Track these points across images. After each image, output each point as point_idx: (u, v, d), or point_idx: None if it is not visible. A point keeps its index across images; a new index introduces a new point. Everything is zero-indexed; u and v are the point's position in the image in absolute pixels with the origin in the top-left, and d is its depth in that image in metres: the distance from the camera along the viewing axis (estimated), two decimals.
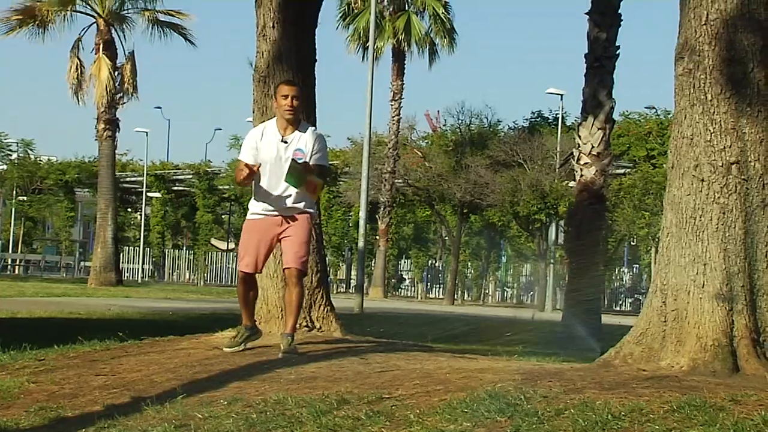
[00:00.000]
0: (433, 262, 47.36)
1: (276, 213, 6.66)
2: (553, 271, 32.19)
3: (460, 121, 35.84)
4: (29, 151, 51.51)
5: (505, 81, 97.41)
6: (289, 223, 6.64)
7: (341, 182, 41.28)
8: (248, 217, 6.78)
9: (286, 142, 6.60)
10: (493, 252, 43.35)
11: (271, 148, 6.60)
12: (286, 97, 6.61)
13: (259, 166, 6.60)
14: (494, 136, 35.19)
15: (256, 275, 6.84)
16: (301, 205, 6.68)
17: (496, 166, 32.77)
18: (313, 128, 6.82)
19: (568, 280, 14.65)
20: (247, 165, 6.61)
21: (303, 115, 7.82)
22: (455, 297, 36.84)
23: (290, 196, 6.67)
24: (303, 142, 6.63)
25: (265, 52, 7.83)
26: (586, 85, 13.91)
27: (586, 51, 13.90)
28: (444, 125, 37.83)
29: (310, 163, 6.61)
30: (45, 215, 53.41)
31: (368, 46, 26.55)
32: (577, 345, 11.26)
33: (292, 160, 6.53)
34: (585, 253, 13.60)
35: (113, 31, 31.41)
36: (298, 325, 7.55)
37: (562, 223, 31.83)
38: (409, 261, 46.42)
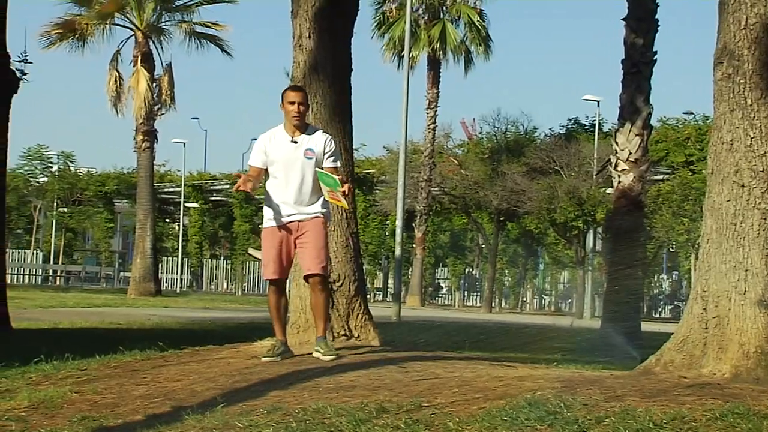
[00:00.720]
0: (470, 270, 47.24)
1: (290, 220, 6.67)
2: (591, 278, 31.97)
3: (495, 129, 35.78)
4: (69, 163, 51.98)
5: (541, 88, 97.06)
6: (303, 228, 6.64)
7: (377, 191, 41.31)
8: (264, 225, 6.85)
9: (295, 142, 6.70)
10: (531, 259, 43.14)
11: (281, 150, 6.70)
12: (292, 103, 6.70)
13: (263, 171, 6.70)
14: (530, 143, 35.06)
15: (286, 283, 6.91)
16: (313, 208, 6.71)
17: (533, 174, 32.63)
18: (322, 131, 6.90)
19: (606, 287, 14.54)
20: (238, 175, 6.78)
21: (338, 125, 7.86)
22: (493, 305, 36.71)
23: (303, 198, 6.69)
24: (313, 143, 6.72)
25: (301, 62, 7.88)
26: (623, 91, 13.81)
27: (623, 57, 13.81)
28: (480, 133, 37.77)
29: (325, 166, 6.70)
30: (85, 226, 53.98)
31: (403, 55, 26.61)
32: (617, 352, 11.17)
33: (318, 170, 6.58)
34: (623, 260, 13.50)
35: (151, 43, 31.72)
36: (336, 334, 7.57)
37: (599, 230, 31.65)
38: (446, 269, 46.34)
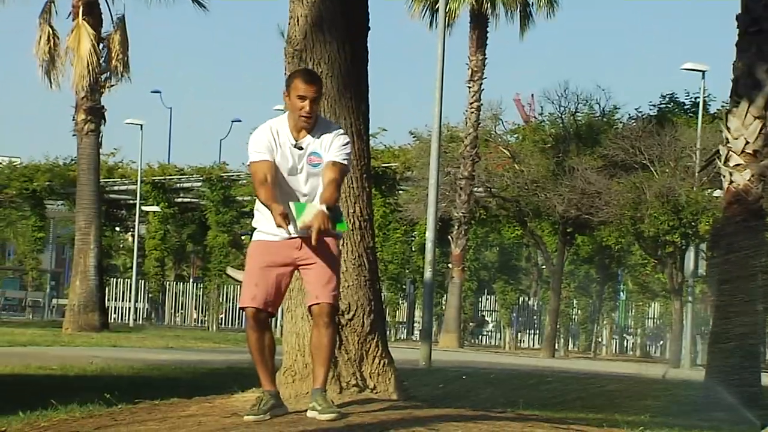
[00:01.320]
0: (526, 299, 47.18)
1: (293, 236, 6.72)
2: (691, 312, 31.86)
3: (562, 109, 35.75)
4: None
5: (625, 53, 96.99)
6: (309, 246, 6.70)
7: (400, 191, 41.35)
8: (255, 237, 6.89)
9: (301, 148, 6.78)
10: (608, 286, 43.05)
11: (284, 156, 6.77)
12: (302, 98, 6.73)
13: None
14: (609, 129, 35.01)
15: (279, 318, 6.93)
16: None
17: (612, 170, 32.56)
18: (337, 128, 6.94)
19: (712, 324, 14.49)
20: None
21: (349, 103, 7.86)
22: (556, 347, 36.64)
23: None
24: (319, 145, 6.79)
25: (300, 18, 7.90)
26: (739, 58, 13.79)
27: (739, 11, 13.78)
28: (540, 114, 37.76)
29: (328, 159, 6.74)
30: (5, 236, 54.24)
31: (438, 8, 26.61)
32: (727, 415, 11.12)
33: (326, 211, 6.60)
34: (737, 288, 13.44)
35: None
36: (345, 384, 7.57)
37: (703, 246, 31.52)
38: (492, 297, 46.32)
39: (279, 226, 6.60)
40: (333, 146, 6.76)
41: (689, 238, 31.13)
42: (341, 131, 6.90)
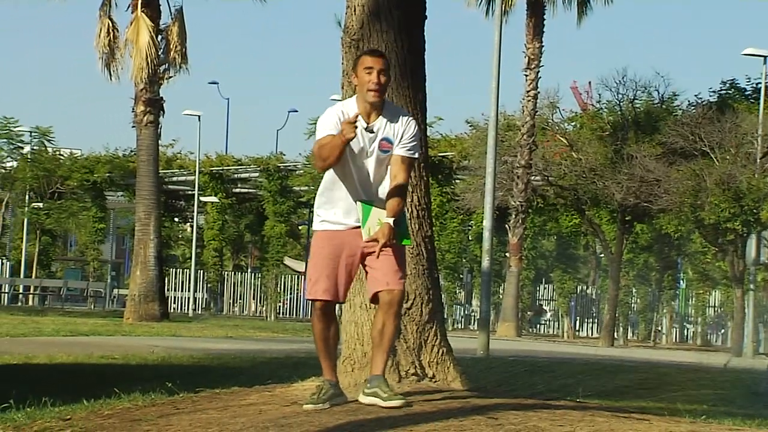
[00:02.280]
0: (584, 287, 46.99)
1: (359, 225, 6.72)
2: (753, 300, 31.57)
3: (620, 96, 35.51)
4: (46, 143, 52.62)
5: (684, 40, 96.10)
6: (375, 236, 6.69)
7: (458, 180, 41.30)
8: (318, 226, 6.84)
9: (372, 131, 6.71)
10: (668, 274, 42.78)
11: (354, 140, 6.65)
12: (370, 71, 6.68)
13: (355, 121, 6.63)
14: (668, 116, 34.75)
15: (337, 307, 6.91)
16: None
17: (672, 157, 32.33)
18: (406, 114, 6.91)
19: None
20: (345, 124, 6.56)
21: (407, 92, 7.86)
22: (615, 336, 36.47)
23: (376, 199, 6.72)
24: (392, 131, 6.73)
25: (357, 7, 7.91)
26: None
27: None
28: (598, 102, 37.51)
29: (398, 154, 6.70)
30: (67, 227, 54.73)
31: None
32: None
33: (392, 225, 6.62)
34: None
35: None
36: (404, 373, 7.59)
37: (765, 234, 31.20)
38: (550, 286, 46.20)
39: (348, 131, 6.47)
40: (404, 135, 6.72)
41: (750, 226, 30.86)
42: (411, 118, 6.86)
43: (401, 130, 6.73)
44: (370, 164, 6.72)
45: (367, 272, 6.84)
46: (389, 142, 6.70)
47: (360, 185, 6.73)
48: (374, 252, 6.71)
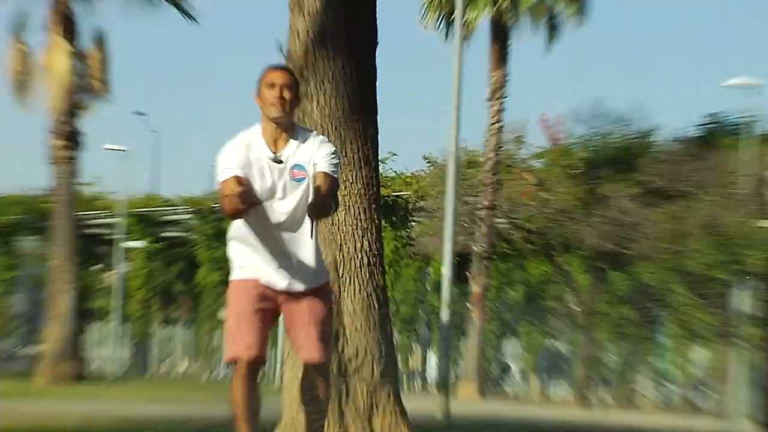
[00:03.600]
0: (554, 342, 47.00)
1: (277, 288, 6.58)
2: (742, 358, 31.67)
3: (593, 130, 35.73)
4: None
5: (663, 69, 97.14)
6: (297, 298, 6.59)
7: (413, 223, 41.32)
8: (234, 275, 6.68)
9: (280, 162, 6.51)
10: (648, 328, 42.88)
11: (261, 172, 6.51)
12: (272, 86, 6.51)
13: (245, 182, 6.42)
14: (646, 153, 34.97)
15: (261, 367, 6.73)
16: (312, 266, 6.56)
17: (650, 198, 32.52)
18: (315, 133, 6.70)
19: None
20: (238, 178, 6.37)
21: (356, 125, 7.91)
22: (589, 397, 36.47)
23: (295, 246, 6.56)
24: (304, 155, 6.54)
25: (301, 32, 7.96)
26: None
27: None
28: (570, 136, 37.72)
29: (317, 170, 6.49)
30: None
31: (455, 18, 26.70)
32: None
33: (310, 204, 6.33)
34: None
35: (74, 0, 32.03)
36: None
37: (755, 284, 31.36)
38: (517, 341, 46.19)
39: (242, 202, 6.21)
40: (319, 155, 6.51)
41: (739, 274, 31.02)
42: (324, 138, 6.69)
43: (314, 152, 6.52)
44: (285, 202, 6.54)
45: (288, 331, 6.72)
46: (302, 169, 6.51)
47: (279, 234, 6.56)
48: (299, 310, 6.59)
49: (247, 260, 6.63)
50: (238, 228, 6.65)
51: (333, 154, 6.56)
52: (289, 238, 6.58)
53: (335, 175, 6.47)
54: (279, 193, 6.50)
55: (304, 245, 6.58)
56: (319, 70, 7.86)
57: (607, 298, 39.91)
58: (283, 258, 6.57)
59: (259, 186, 6.47)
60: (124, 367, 47.08)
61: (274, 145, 6.54)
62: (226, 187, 6.40)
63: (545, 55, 35.79)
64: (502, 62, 36.09)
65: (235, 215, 6.39)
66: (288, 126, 6.56)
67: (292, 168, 6.51)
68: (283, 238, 6.57)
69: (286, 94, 6.49)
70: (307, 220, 6.50)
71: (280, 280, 6.57)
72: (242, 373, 6.52)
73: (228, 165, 6.46)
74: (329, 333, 6.68)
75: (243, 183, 6.38)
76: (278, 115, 6.48)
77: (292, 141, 6.54)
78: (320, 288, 6.64)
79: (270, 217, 6.52)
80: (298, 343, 6.66)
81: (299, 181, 6.51)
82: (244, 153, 6.50)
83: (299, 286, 6.59)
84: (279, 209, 6.52)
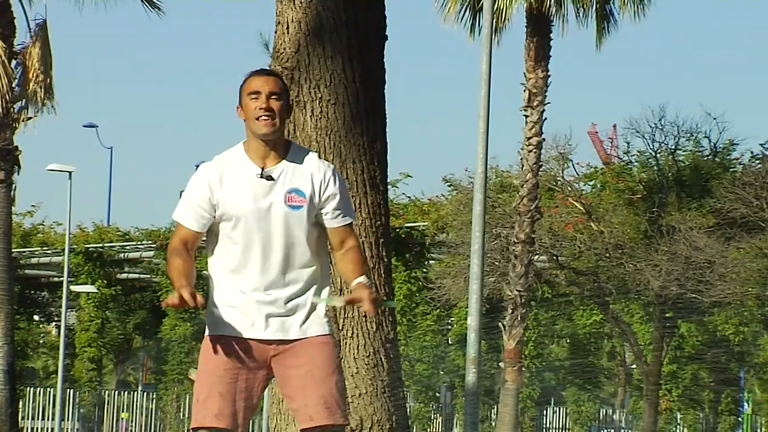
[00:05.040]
0: (608, 410, 46.97)
1: (262, 337, 6.59)
2: None
3: (656, 145, 35.79)
4: None
5: (743, 70, 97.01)
6: (292, 351, 6.61)
7: (432, 261, 41.33)
8: (208, 331, 6.71)
9: (270, 178, 6.54)
10: (726, 394, 42.88)
11: (243, 193, 6.56)
12: (256, 95, 6.56)
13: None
14: (724, 173, 35.00)
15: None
16: (307, 315, 6.62)
17: (729, 230, 32.52)
18: (314, 153, 6.73)
19: None
20: (179, 290, 6.48)
21: (360, 139, 7.95)
22: None
23: (289, 288, 6.60)
24: (300, 178, 6.58)
25: (292, 24, 8.01)
26: None
27: None
28: (626, 153, 37.79)
29: (333, 227, 6.58)
30: None
31: (482, 6, 26.77)
32: None
33: (361, 284, 6.46)
34: None
35: None
36: None
37: None
38: (562, 409, 46.16)
39: (174, 305, 6.37)
40: (329, 191, 6.57)
41: None
42: (328, 163, 6.71)
43: (320, 178, 6.57)
44: (277, 232, 6.56)
45: (284, 397, 6.73)
46: (301, 195, 6.54)
47: (270, 271, 6.59)
48: (297, 369, 6.59)
49: (219, 315, 6.66)
50: (212, 282, 6.70)
51: (340, 186, 6.60)
52: (280, 278, 6.61)
53: (351, 219, 6.63)
54: (270, 216, 6.53)
55: (301, 287, 6.62)
56: (313, 71, 7.91)
57: (675, 355, 39.89)
58: (272, 303, 6.60)
59: (240, 210, 6.52)
60: None
61: (262, 161, 6.57)
62: (177, 232, 6.57)
63: (597, 52, 35.59)
64: (541, 61, 36.09)
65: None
66: (278, 143, 6.59)
67: (288, 192, 6.55)
68: (272, 277, 6.59)
69: (274, 104, 6.53)
70: (311, 257, 6.57)
71: (266, 327, 6.60)
72: None
73: (187, 203, 6.60)
74: (338, 392, 6.64)
75: (188, 282, 6.50)
76: (266, 131, 6.53)
77: (284, 161, 6.57)
78: (322, 337, 6.66)
79: (258, 258, 6.56)
80: (294, 408, 6.70)
81: (295, 208, 6.54)
82: (216, 182, 6.57)
83: (293, 334, 6.62)
84: (267, 238, 6.55)
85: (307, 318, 6.62)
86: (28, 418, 46.23)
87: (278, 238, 6.55)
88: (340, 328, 7.71)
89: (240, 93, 6.63)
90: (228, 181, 6.55)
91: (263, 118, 6.49)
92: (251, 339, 6.61)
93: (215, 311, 6.70)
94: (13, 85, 31.90)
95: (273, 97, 6.53)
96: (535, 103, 35.96)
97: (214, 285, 6.73)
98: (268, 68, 7.11)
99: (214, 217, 6.58)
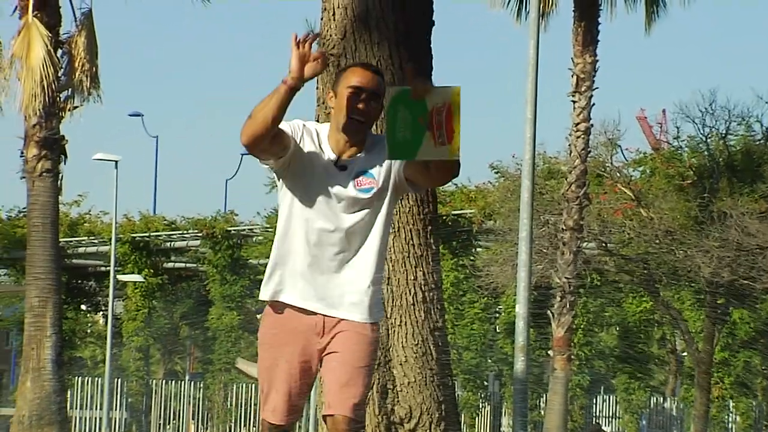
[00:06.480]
0: (660, 399, 46.86)
1: (312, 309, 6.64)
2: None
3: (708, 130, 35.64)
4: None
5: None
6: (335, 329, 6.63)
7: (479, 249, 41.28)
8: (263, 294, 6.73)
9: (344, 168, 6.54)
10: None
11: (317, 171, 6.57)
12: (357, 92, 6.50)
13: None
14: None
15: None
16: (364, 299, 6.63)
17: None
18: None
19: None
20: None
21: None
22: None
23: (344, 270, 6.61)
24: (371, 163, 6.58)
25: (338, 11, 8.00)
26: None
27: None
28: (676, 138, 37.65)
29: (398, 173, 6.53)
30: None
31: None
32: None
33: (390, 89, 6.31)
34: None
35: None
36: None
37: None
38: (612, 397, 46.06)
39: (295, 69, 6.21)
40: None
41: None
42: None
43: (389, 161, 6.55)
44: (342, 209, 6.57)
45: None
46: (370, 177, 6.55)
47: (328, 252, 6.59)
48: (330, 354, 6.62)
49: (276, 283, 6.66)
50: (279, 238, 6.68)
51: None
52: (340, 262, 6.62)
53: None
54: (339, 203, 6.53)
55: (360, 272, 6.62)
56: (360, 58, 7.91)
57: (727, 342, 39.75)
58: (323, 281, 6.61)
59: (314, 192, 6.52)
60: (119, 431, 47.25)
61: (339, 152, 6.59)
62: (267, 97, 6.37)
63: (646, 36, 35.44)
64: (589, 45, 36.00)
65: (252, 143, 6.42)
66: (359, 139, 6.59)
67: (357, 176, 6.55)
68: (332, 261, 6.61)
69: (370, 108, 6.50)
70: (372, 241, 6.55)
71: (315, 301, 6.61)
72: None
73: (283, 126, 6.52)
74: (362, 383, 6.65)
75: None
76: (350, 135, 6.52)
77: (363, 153, 6.57)
78: (367, 324, 6.65)
79: (321, 233, 6.57)
80: (324, 394, 6.72)
81: (366, 191, 6.54)
82: (312, 136, 6.57)
83: (341, 313, 6.62)
84: (335, 222, 6.56)
85: (359, 300, 6.62)
86: (76, 408, 46.40)
87: (342, 216, 6.54)
88: (388, 316, 7.69)
89: (337, 78, 6.60)
90: (311, 151, 6.56)
91: (356, 121, 6.48)
92: (303, 312, 6.62)
93: (272, 281, 6.69)
94: (59, 75, 31.94)
95: (372, 98, 6.49)
96: (583, 89, 35.86)
97: (274, 259, 6.70)
98: (373, 64, 7.05)
99: (289, 150, 6.52)
